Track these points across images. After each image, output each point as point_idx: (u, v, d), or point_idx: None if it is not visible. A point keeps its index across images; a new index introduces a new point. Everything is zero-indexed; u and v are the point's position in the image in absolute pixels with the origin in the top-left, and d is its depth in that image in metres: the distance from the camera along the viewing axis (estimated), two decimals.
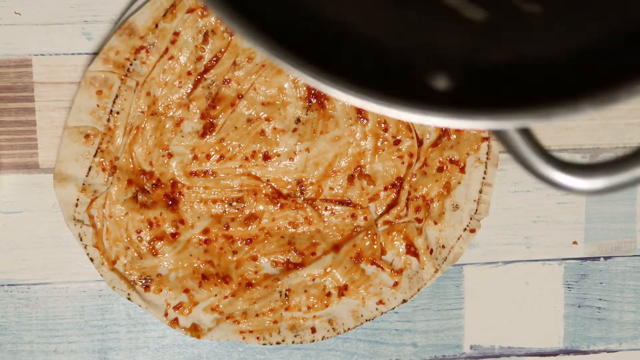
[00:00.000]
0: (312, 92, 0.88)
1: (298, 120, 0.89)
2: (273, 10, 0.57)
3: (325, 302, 0.90)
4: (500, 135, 0.59)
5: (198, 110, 0.88)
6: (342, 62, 0.57)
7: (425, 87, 0.59)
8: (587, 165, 0.59)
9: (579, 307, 0.94)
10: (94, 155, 0.87)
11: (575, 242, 0.94)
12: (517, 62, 0.60)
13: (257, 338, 0.90)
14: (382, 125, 0.89)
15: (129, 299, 0.89)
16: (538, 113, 0.56)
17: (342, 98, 0.56)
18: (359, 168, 0.90)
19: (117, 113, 0.87)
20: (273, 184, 0.89)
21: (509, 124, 0.57)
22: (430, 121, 0.57)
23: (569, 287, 0.94)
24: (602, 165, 0.58)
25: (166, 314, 0.90)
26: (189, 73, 0.87)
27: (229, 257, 0.90)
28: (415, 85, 0.59)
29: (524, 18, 0.63)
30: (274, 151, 0.89)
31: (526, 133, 0.59)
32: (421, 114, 0.56)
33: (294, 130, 0.89)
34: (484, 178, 0.90)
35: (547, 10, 0.62)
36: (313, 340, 0.91)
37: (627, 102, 0.57)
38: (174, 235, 0.89)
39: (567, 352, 0.95)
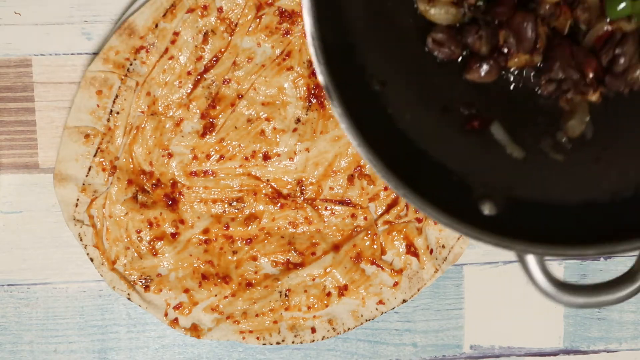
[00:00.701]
0: (312, 92, 0.88)
1: (298, 120, 0.89)
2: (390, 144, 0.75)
3: (325, 302, 0.90)
4: (522, 257, 0.74)
5: (198, 110, 0.88)
6: (422, 182, 0.73)
7: (475, 210, 0.75)
8: (573, 285, 0.74)
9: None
10: (94, 155, 0.87)
11: None
12: (543, 201, 0.76)
13: (257, 338, 0.90)
14: None
15: (129, 299, 0.89)
16: (555, 250, 0.72)
17: (427, 214, 0.72)
18: (359, 168, 0.90)
19: (117, 113, 0.87)
20: (273, 184, 0.89)
21: (533, 253, 0.72)
22: (478, 239, 0.72)
23: None
24: (585, 287, 0.74)
25: (166, 314, 0.90)
26: (189, 73, 0.87)
27: (229, 257, 0.90)
28: (468, 206, 0.75)
29: (551, 164, 0.78)
30: (274, 151, 0.89)
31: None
32: (473, 232, 0.72)
33: (294, 130, 0.89)
34: None
35: (569, 161, 0.78)
36: (313, 340, 0.91)
37: (626, 253, 0.72)
38: (174, 235, 0.89)
39: (567, 352, 0.95)
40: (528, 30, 0.77)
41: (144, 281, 0.89)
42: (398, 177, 0.72)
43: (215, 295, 0.90)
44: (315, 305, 0.90)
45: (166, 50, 0.86)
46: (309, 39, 0.70)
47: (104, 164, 0.87)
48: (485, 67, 0.78)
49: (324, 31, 0.71)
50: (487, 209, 0.76)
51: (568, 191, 0.77)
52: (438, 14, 0.78)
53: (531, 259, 0.75)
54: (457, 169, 0.77)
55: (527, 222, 0.76)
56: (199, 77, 0.87)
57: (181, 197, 0.89)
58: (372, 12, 0.77)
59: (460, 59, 0.79)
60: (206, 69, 0.87)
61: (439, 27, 0.78)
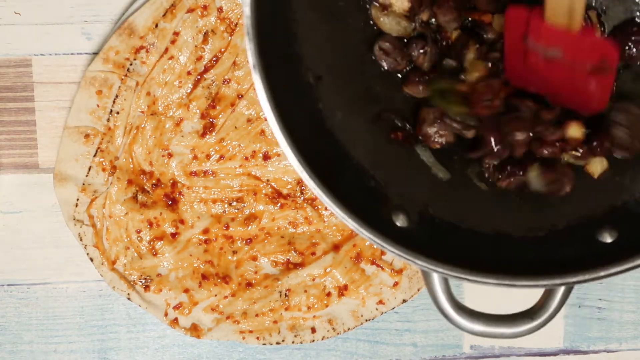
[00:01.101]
0: None
1: None
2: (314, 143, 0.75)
3: (325, 302, 0.90)
4: (426, 273, 0.76)
5: (198, 110, 0.88)
6: (340, 182, 0.74)
7: (388, 219, 0.76)
8: (473, 312, 0.76)
9: (579, 307, 0.94)
10: (94, 155, 0.87)
11: None
12: (457, 224, 0.78)
13: (257, 338, 0.90)
14: None
15: (129, 299, 0.89)
16: (456, 273, 0.73)
17: (334, 211, 0.72)
18: None
19: (117, 113, 0.87)
20: (273, 183, 0.89)
21: (435, 271, 0.73)
22: (383, 247, 0.72)
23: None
24: (484, 316, 0.76)
25: (166, 314, 0.90)
26: (189, 73, 0.87)
27: (229, 257, 0.90)
28: (381, 214, 0.76)
29: (474, 190, 0.79)
30: (274, 151, 0.89)
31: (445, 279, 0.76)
32: (379, 239, 0.72)
33: None
34: None
35: (492, 191, 0.79)
36: (313, 340, 0.91)
37: (528, 289, 0.74)
38: (174, 235, 0.89)
39: (567, 352, 0.95)
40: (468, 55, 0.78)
41: (144, 281, 0.89)
42: (313, 171, 0.72)
43: (215, 295, 0.90)
44: (315, 305, 0.90)
45: (166, 50, 0.86)
46: (245, 17, 0.70)
47: (104, 164, 0.87)
48: (424, 83, 0.79)
49: (262, 12, 0.71)
50: (399, 221, 0.76)
51: (485, 219, 0.78)
52: (389, 23, 0.79)
53: (436, 278, 0.76)
54: (378, 177, 0.78)
55: (436, 241, 0.76)
56: (199, 77, 0.87)
57: (181, 197, 0.89)
58: (324, 7, 0.78)
59: (403, 71, 0.80)
60: (206, 69, 0.87)
61: (388, 36, 0.80)
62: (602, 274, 0.72)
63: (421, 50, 0.78)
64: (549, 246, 0.77)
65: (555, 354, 0.95)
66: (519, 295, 0.89)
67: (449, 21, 0.77)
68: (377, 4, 0.79)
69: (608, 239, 0.76)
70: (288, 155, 0.72)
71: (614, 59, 0.73)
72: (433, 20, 0.79)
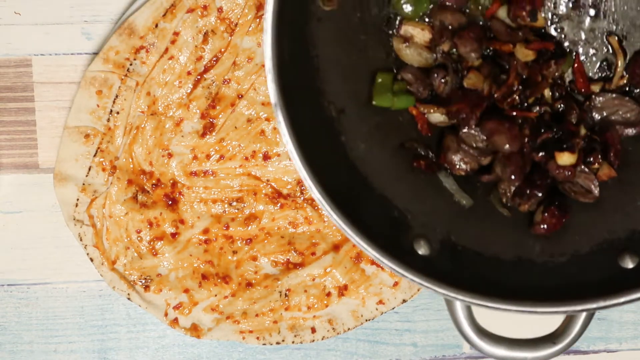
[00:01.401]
0: None
1: None
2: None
3: (325, 302, 0.90)
4: (449, 300, 0.76)
5: (198, 110, 0.88)
6: (365, 216, 0.75)
7: (409, 248, 0.77)
8: (495, 336, 0.77)
9: None
10: (94, 155, 0.87)
11: None
12: (480, 251, 0.78)
13: (257, 338, 0.90)
14: None
15: (129, 299, 0.89)
16: (477, 300, 0.73)
17: (356, 242, 0.74)
18: None
19: (117, 113, 0.87)
20: (273, 183, 0.89)
21: (456, 299, 0.73)
22: (404, 276, 0.73)
23: None
24: (505, 340, 0.77)
25: (166, 314, 0.90)
26: (189, 73, 0.87)
27: (229, 257, 0.90)
28: (404, 244, 0.77)
29: (496, 216, 0.80)
30: (274, 151, 0.89)
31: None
32: (400, 268, 0.73)
33: None
34: None
35: (514, 217, 0.80)
36: (313, 340, 0.91)
37: (549, 315, 0.75)
38: (174, 235, 0.89)
39: (567, 352, 0.95)
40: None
41: (144, 281, 0.89)
42: (336, 203, 0.73)
43: (215, 295, 0.90)
44: (315, 305, 0.90)
45: (166, 50, 0.86)
46: (266, 58, 0.71)
47: (104, 164, 0.87)
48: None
49: (283, 51, 0.72)
50: (421, 249, 0.77)
51: (507, 246, 0.79)
52: (411, 54, 0.80)
53: (458, 304, 0.77)
54: (401, 206, 0.79)
55: (458, 268, 0.77)
56: (199, 77, 0.87)
57: (181, 197, 0.89)
58: (346, 41, 0.78)
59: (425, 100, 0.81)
60: (206, 69, 0.87)
61: (409, 67, 0.80)
62: (622, 300, 0.72)
63: (442, 80, 0.79)
64: (571, 272, 0.77)
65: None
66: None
67: (469, 52, 0.78)
68: (398, 36, 0.80)
69: (630, 264, 0.76)
70: (311, 189, 0.72)
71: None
72: (454, 50, 0.80)
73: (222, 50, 0.87)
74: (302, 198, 0.90)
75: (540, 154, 0.78)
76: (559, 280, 0.77)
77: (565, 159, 0.77)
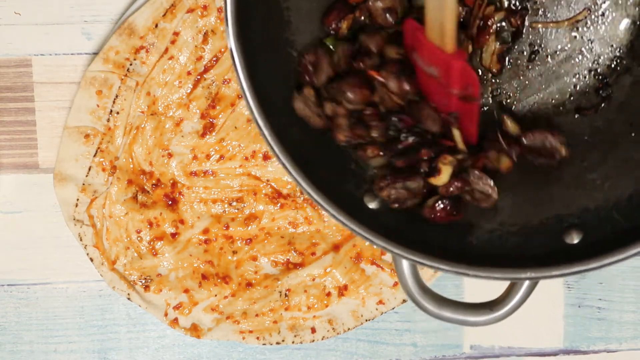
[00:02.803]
0: None
1: None
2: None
3: (325, 302, 0.90)
4: (396, 258, 0.77)
5: (198, 110, 0.88)
6: (317, 165, 0.75)
7: (359, 201, 0.78)
8: (438, 296, 0.77)
9: (579, 307, 0.94)
10: (94, 155, 0.87)
11: None
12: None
13: (257, 338, 0.90)
14: None
15: (129, 299, 0.89)
16: (418, 257, 0.74)
17: (299, 184, 0.74)
18: None
19: (117, 113, 0.87)
20: (273, 183, 0.89)
21: (404, 257, 0.74)
22: (347, 226, 0.74)
23: (568, 287, 0.94)
24: (448, 301, 0.77)
25: (166, 314, 0.90)
26: (189, 73, 0.87)
27: (229, 257, 0.90)
28: (355, 196, 0.78)
29: None
30: None
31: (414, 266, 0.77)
32: (348, 220, 0.74)
33: None
34: None
35: None
36: (313, 340, 0.91)
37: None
38: (174, 235, 0.89)
39: (567, 352, 0.95)
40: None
41: (144, 281, 0.89)
42: (285, 149, 0.73)
43: (215, 295, 0.90)
44: (315, 305, 0.90)
45: (166, 50, 0.86)
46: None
47: (104, 164, 0.87)
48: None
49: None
50: (372, 203, 0.78)
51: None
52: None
53: (404, 262, 0.77)
54: (359, 160, 0.79)
55: (407, 225, 0.77)
56: (199, 77, 0.87)
57: (181, 197, 0.89)
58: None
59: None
60: (206, 69, 0.87)
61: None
62: (558, 272, 0.73)
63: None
64: (517, 242, 0.78)
65: (555, 354, 0.95)
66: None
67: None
68: None
69: (575, 240, 0.77)
70: (264, 134, 0.72)
71: (476, 88, 0.73)
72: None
73: (222, 50, 0.87)
74: (302, 198, 0.90)
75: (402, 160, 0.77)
76: (503, 249, 0.77)
77: (437, 180, 0.77)
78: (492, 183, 0.78)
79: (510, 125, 0.79)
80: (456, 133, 0.77)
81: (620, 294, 0.94)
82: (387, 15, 0.77)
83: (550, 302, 0.94)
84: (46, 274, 0.91)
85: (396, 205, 0.77)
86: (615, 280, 0.94)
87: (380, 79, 0.75)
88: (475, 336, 0.94)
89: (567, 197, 0.79)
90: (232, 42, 0.71)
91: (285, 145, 0.73)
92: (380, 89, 0.76)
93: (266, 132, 0.72)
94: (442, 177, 0.77)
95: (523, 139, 0.79)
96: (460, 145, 0.77)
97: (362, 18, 0.79)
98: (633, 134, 0.79)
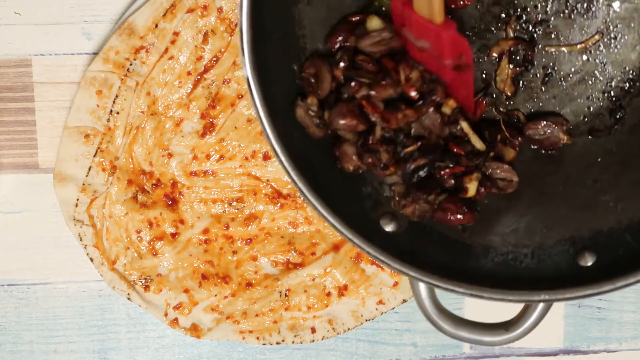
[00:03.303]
0: None
1: None
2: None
3: (325, 302, 0.90)
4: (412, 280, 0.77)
5: (198, 110, 0.88)
6: (333, 187, 0.77)
7: (376, 223, 0.78)
8: (454, 317, 0.78)
9: (579, 307, 0.94)
10: (94, 155, 0.87)
11: None
12: (447, 234, 0.79)
13: (257, 338, 0.90)
14: None
15: (129, 299, 0.89)
16: (434, 279, 0.75)
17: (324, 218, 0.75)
18: None
19: (117, 113, 0.87)
20: (273, 183, 0.89)
21: (420, 279, 0.75)
22: (368, 252, 0.75)
23: None
24: (463, 322, 0.78)
25: (166, 314, 0.90)
26: (189, 73, 0.87)
27: (229, 257, 0.90)
28: (370, 219, 0.79)
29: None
30: None
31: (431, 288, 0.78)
32: (364, 243, 0.75)
33: None
34: None
35: (487, 207, 0.81)
36: (313, 340, 0.91)
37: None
38: (174, 235, 0.89)
39: (567, 352, 0.95)
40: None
41: (144, 281, 0.89)
42: (305, 174, 0.74)
43: (215, 295, 0.90)
44: (315, 305, 0.90)
45: (166, 50, 0.86)
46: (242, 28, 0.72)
47: (104, 164, 0.87)
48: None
49: (265, 26, 0.73)
50: (388, 226, 0.79)
51: (475, 232, 0.80)
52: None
53: (421, 284, 0.78)
54: (374, 182, 0.80)
55: (422, 248, 0.78)
56: (199, 77, 0.87)
57: (181, 197, 0.89)
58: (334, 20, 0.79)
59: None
60: (206, 69, 0.87)
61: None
62: (573, 295, 0.74)
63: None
64: (530, 263, 0.79)
65: (555, 354, 0.95)
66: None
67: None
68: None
69: (588, 262, 0.77)
70: (281, 160, 0.73)
71: (469, 56, 0.74)
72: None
73: (222, 50, 0.87)
74: (302, 198, 0.90)
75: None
76: (517, 271, 0.78)
77: (470, 192, 0.78)
78: (508, 167, 0.78)
79: (521, 116, 0.81)
80: (465, 125, 0.77)
81: (620, 294, 0.94)
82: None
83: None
84: (46, 274, 0.91)
85: (418, 219, 0.78)
86: None
87: (371, 113, 0.76)
88: None
89: (580, 219, 0.79)
90: (248, 71, 0.72)
91: (303, 172, 0.74)
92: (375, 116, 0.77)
93: (287, 166, 0.73)
94: (470, 192, 0.78)
95: (526, 130, 0.80)
96: (479, 144, 0.77)
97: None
98: None
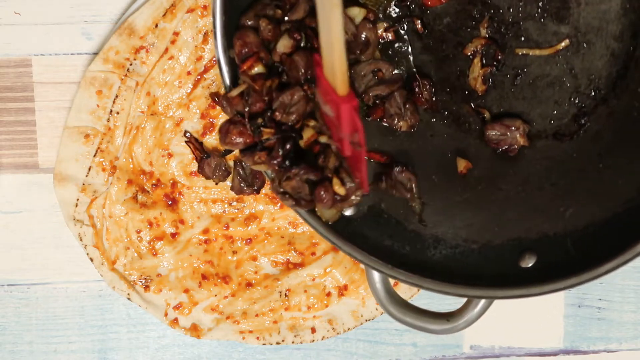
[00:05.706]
0: None
1: None
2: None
3: (325, 302, 0.90)
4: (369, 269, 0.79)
5: (198, 110, 0.88)
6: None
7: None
8: (405, 302, 0.80)
9: (579, 307, 0.94)
10: (94, 155, 0.87)
11: None
12: (403, 223, 0.80)
13: (257, 338, 0.90)
14: None
15: (129, 299, 0.89)
16: (379, 266, 0.77)
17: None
18: None
19: (117, 113, 0.87)
20: None
21: (367, 264, 0.77)
22: (325, 236, 0.76)
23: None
24: (412, 308, 0.80)
25: (166, 314, 0.90)
26: (189, 73, 0.87)
27: (229, 257, 0.90)
28: None
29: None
30: None
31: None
32: (322, 227, 0.77)
33: None
34: None
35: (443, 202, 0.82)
36: (313, 340, 0.91)
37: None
38: (174, 235, 0.89)
39: (567, 352, 0.95)
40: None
41: (144, 281, 0.89)
42: None
43: (215, 295, 0.90)
44: (315, 305, 0.90)
45: (166, 50, 0.86)
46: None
47: (104, 164, 0.87)
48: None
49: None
50: (348, 210, 0.79)
51: (429, 222, 0.81)
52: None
53: (377, 277, 0.79)
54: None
55: (378, 235, 0.79)
56: (199, 77, 0.87)
57: (181, 197, 0.89)
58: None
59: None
60: (206, 69, 0.87)
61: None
62: (501, 294, 0.77)
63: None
64: (476, 259, 0.80)
65: (555, 354, 0.95)
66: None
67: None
68: None
69: (529, 264, 0.78)
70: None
71: (362, 137, 0.69)
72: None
73: None
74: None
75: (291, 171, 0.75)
76: (461, 265, 0.79)
77: (337, 189, 0.74)
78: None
79: (487, 115, 0.82)
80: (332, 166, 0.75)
81: (620, 294, 0.94)
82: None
83: (550, 302, 0.94)
84: (46, 274, 0.91)
85: (299, 195, 0.76)
86: (615, 280, 0.94)
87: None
88: (475, 336, 0.94)
89: (532, 221, 0.80)
90: (220, 53, 0.73)
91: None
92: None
93: None
94: (306, 135, 0.74)
95: (486, 130, 0.81)
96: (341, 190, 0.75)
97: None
98: (601, 165, 0.80)
